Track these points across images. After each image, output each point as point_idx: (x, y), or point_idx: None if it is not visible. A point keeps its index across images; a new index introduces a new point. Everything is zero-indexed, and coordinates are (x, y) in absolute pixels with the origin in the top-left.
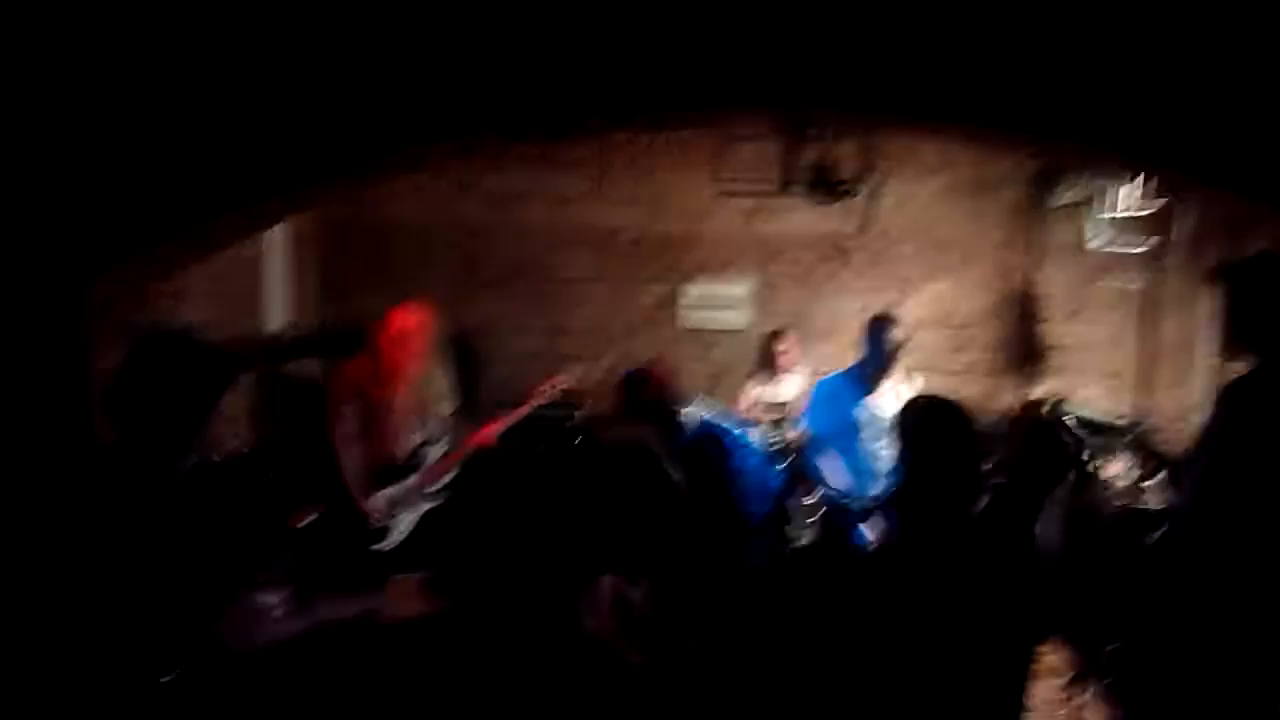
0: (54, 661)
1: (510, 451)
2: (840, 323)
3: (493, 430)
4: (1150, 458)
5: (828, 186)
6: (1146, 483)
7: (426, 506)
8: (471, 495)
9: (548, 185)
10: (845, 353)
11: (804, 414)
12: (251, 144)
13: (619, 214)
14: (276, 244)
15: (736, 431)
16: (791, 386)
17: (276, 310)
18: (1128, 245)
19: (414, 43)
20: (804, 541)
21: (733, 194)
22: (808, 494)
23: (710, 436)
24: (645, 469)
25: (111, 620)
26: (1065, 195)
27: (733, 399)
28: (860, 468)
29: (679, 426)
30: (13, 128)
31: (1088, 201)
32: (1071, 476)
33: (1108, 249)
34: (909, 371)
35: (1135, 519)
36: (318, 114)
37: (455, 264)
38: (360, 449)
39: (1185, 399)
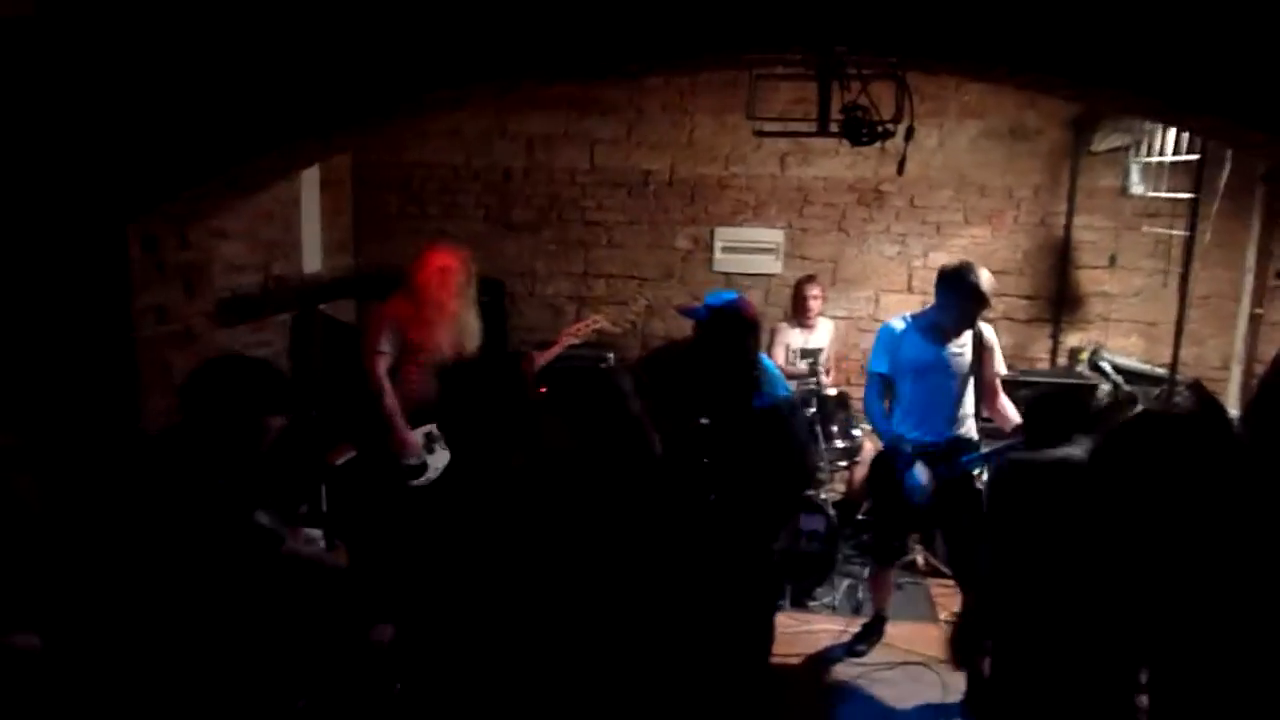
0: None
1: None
2: (875, 268)
3: (526, 369)
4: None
5: (865, 127)
6: None
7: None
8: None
9: (582, 129)
10: (880, 298)
11: (873, 355)
12: (289, 83)
13: (653, 158)
14: (313, 188)
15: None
16: (823, 333)
17: (313, 253)
18: (1169, 191)
19: None
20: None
21: (769, 134)
22: (840, 437)
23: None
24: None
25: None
26: (1106, 140)
27: (769, 344)
28: (925, 415)
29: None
30: (57, 66)
31: (1129, 147)
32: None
33: (1148, 195)
34: (981, 321)
35: None
36: (356, 54)
37: (488, 207)
38: (397, 386)
39: (1226, 348)
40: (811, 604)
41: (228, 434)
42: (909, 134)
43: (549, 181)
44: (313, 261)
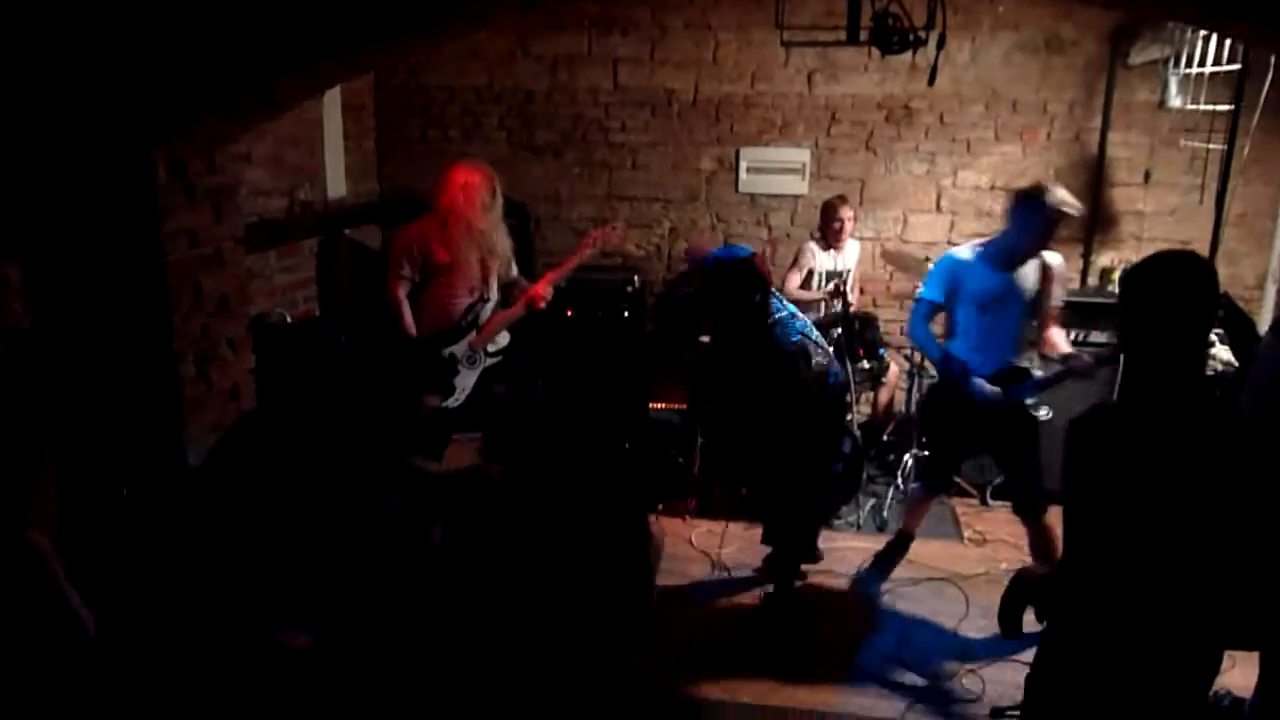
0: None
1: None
2: (903, 187)
3: (548, 280)
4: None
5: (896, 35)
6: (1214, 348)
7: (486, 364)
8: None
9: (604, 48)
10: (908, 218)
11: (928, 281)
12: (311, 2)
13: (677, 76)
14: (335, 112)
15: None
16: (850, 254)
17: (337, 178)
18: (1208, 104)
19: None
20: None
21: (797, 44)
22: (866, 359)
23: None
24: None
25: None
26: (1144, 53)
27: (790, 264)
28: (986, 346)
29: (772, 320)
30: None
31: (1167, 59)
32: None
33: (1186, 108)
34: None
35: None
36: None
37: (511, 130)
38: (421, 307)
39: (1261, 267)
40: (837, 523)
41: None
42: (941, 42)
43: (572, 103)
44: (337, 187)
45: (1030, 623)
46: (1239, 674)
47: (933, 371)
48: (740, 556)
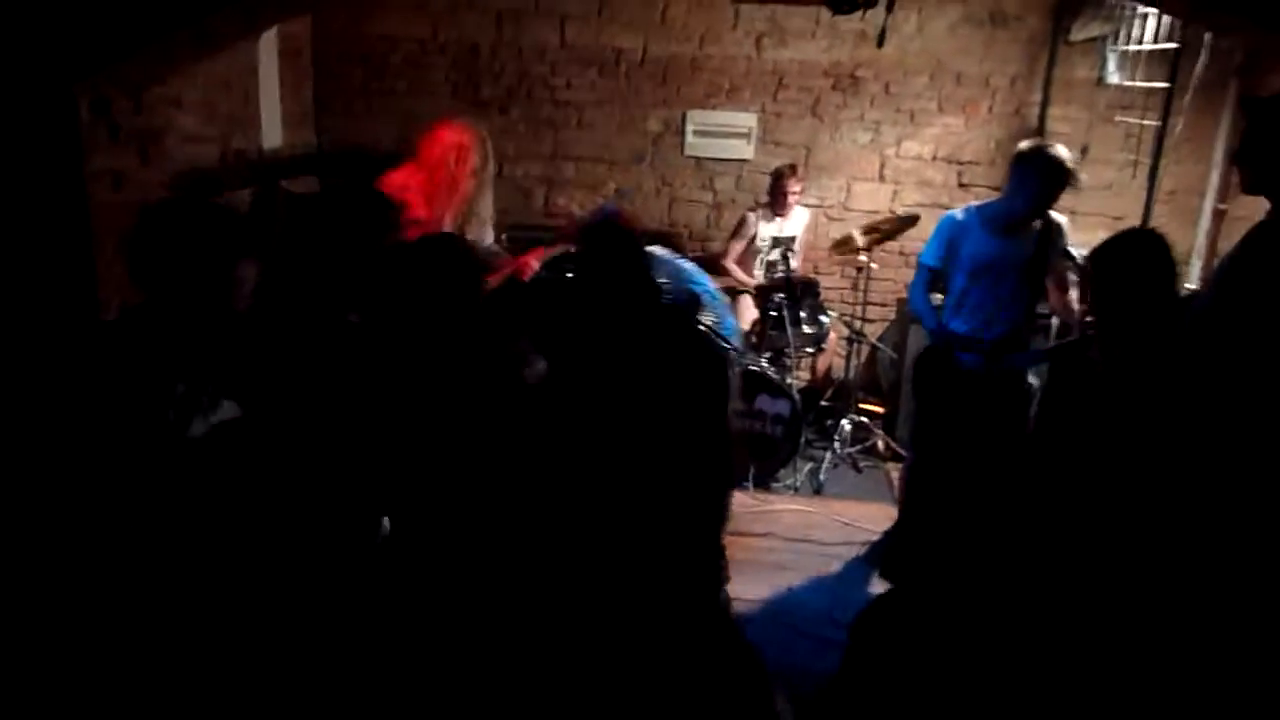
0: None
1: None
2: (847, 156)
3: (528, 260)
4: None
5: None
6: None
7: None
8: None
9: (552, 4)
10: (852, 186)
11: (927, 246)
12: None
13: (625, 35)
14: (271, 58)
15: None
16: (796, 220)
17: (273, 127)
18: (1145, 81)
19: None
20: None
21: (748, 0)
22: (807, 324)
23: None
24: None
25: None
26: (1085, 29)
27: (732, 233)
28: (984, 313)
29: (647, 267)
30: None
31: (1107, 36)
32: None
33: (1124, 84)
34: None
35: None
36: None
37: (456, 84)
38: None
39: (1189, 242)
40: (774, 485)
41: (192, 293)
42: (890, 4)
43: (518, 58)
44: (273, 136)
45: None
46: None
47: (872, 340)
48: None
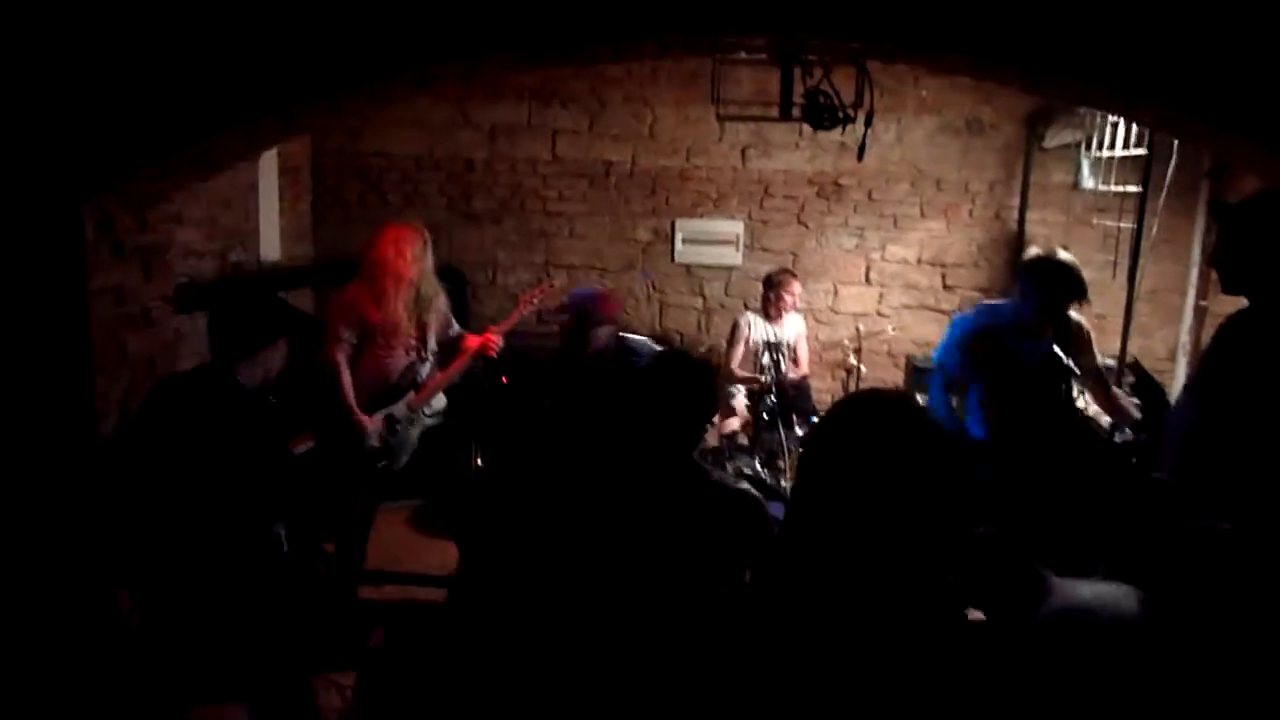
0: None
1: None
2: (834, 260)
3: (489, 336)
4: (1135, 388)
5: (826, 112)
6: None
7: (427, 424)
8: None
9: (544, 119)
10: (839, 289)
11: (942, 346)
12: (253, 59)
13: (615, 149)
14: (271, 175)
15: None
16: (790, 326)
17: (271, 241)
18: (1117, 186)
19: None
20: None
21: (732, 118)
22: (800, 425)
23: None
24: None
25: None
26: (1058, 136)
27: (725, 335)
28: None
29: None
30: (14, 39)
31: (1079, 143)
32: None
33: (1098, 190)
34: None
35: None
36: (317, 30)
37: (450, 197)
38: (358, 370)
39: (1172, 340)
40: None
41: None
42: (868, 120)
43: (511, 171)
44: (271, 249)
45: None
46: None
47: None
48: None
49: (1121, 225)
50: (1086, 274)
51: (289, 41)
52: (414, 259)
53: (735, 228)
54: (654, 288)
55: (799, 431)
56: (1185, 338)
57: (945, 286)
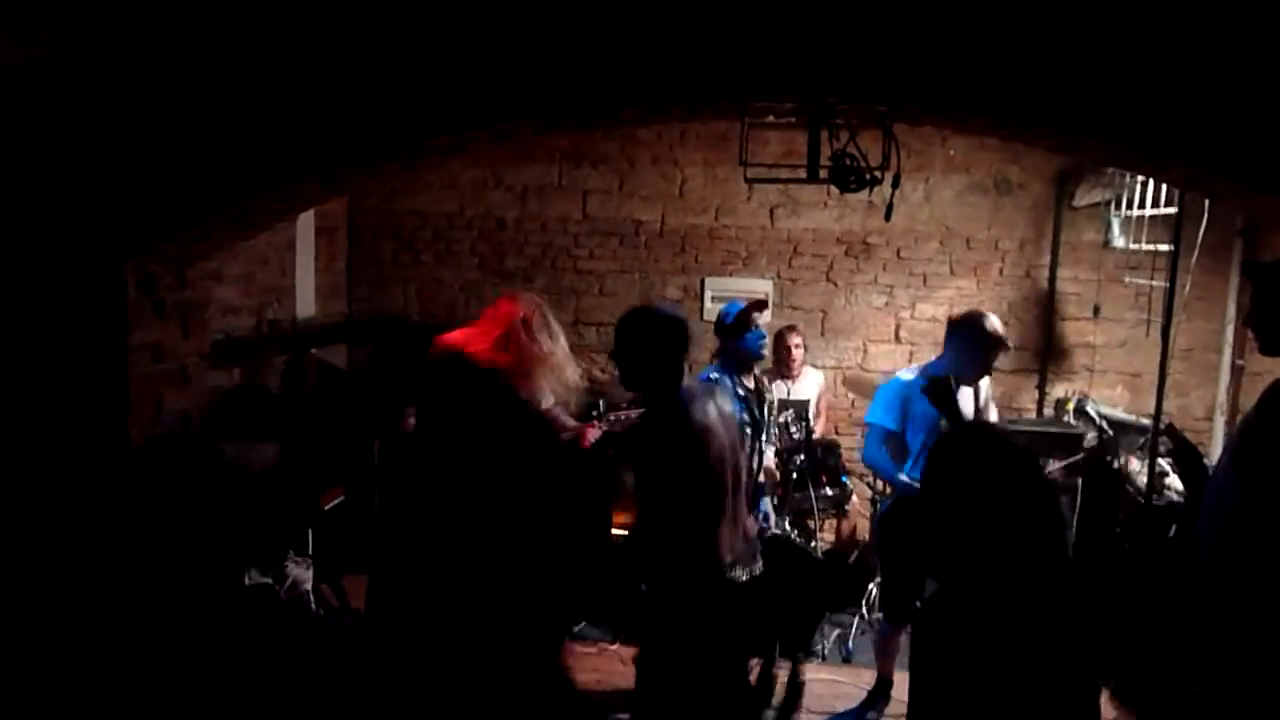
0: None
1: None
2: (863, 318)
3: (590, 430)
4: (1173, 454)
5: (853, 175)
6: (1169, 478)
7: None
8: None
9: (574, 179)
10: (868, 347)
11: (876, 406)
12: (291, 122)
13: (644, 208)
14: (309, 234)
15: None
16: (808, 383)
17: (307, 298)
18: (1149, 244)
19: (452, 28)
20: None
21: (760, 181)
22: (829, 486)
23: None
24: None
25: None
26: (1087, 195)
27: None
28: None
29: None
30: (63, 107)
31: (1109, 201)
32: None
33: (1129, 248)
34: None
35: (1155, 513)
36: (357, 96)
37: (482, 256)
38: None
39: (1210, 399)
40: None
41: None
42: (896, 181)
43: (542, 230)
44: (306, 306)
45: None
46: None
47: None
48: None
49: (1154, 283)
50: (1120, 332)
51: (330, 106)
52: (539, 334)
53: (764, 285)
54: None
55: (828, 492)
56: (1223, 397)
57: None
